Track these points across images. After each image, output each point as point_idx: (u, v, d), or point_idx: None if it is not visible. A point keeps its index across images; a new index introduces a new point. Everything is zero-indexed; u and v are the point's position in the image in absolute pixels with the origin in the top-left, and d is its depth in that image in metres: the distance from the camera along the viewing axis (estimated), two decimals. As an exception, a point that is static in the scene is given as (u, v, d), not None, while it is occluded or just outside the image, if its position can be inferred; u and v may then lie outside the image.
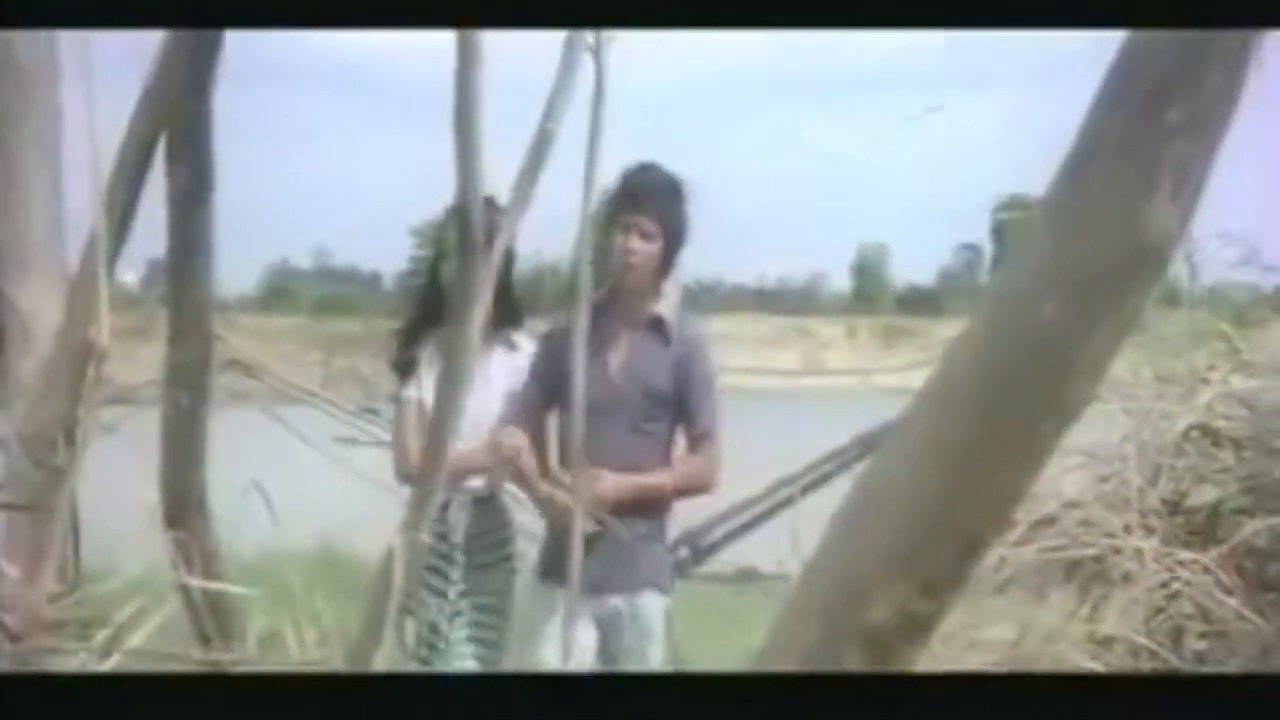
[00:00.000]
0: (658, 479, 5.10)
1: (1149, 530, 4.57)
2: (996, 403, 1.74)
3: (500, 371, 5.31)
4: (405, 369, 5.49)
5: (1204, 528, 4.63)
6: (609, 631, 5.00)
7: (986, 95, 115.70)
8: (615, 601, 4.97)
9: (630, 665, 4.98)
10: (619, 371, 5.07)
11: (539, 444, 5.11)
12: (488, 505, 5.41)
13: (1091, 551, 4.58)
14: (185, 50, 2.93)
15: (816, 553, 1.89)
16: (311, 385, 10.45)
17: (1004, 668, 4.18)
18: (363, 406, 8.45)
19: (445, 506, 5.15)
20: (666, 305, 5.24)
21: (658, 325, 5.17)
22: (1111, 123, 1.66)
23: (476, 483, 5.31)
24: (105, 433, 3.19)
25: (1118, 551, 4.54)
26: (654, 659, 5.01)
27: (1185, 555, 4.47)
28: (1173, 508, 4.67)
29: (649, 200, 5.05)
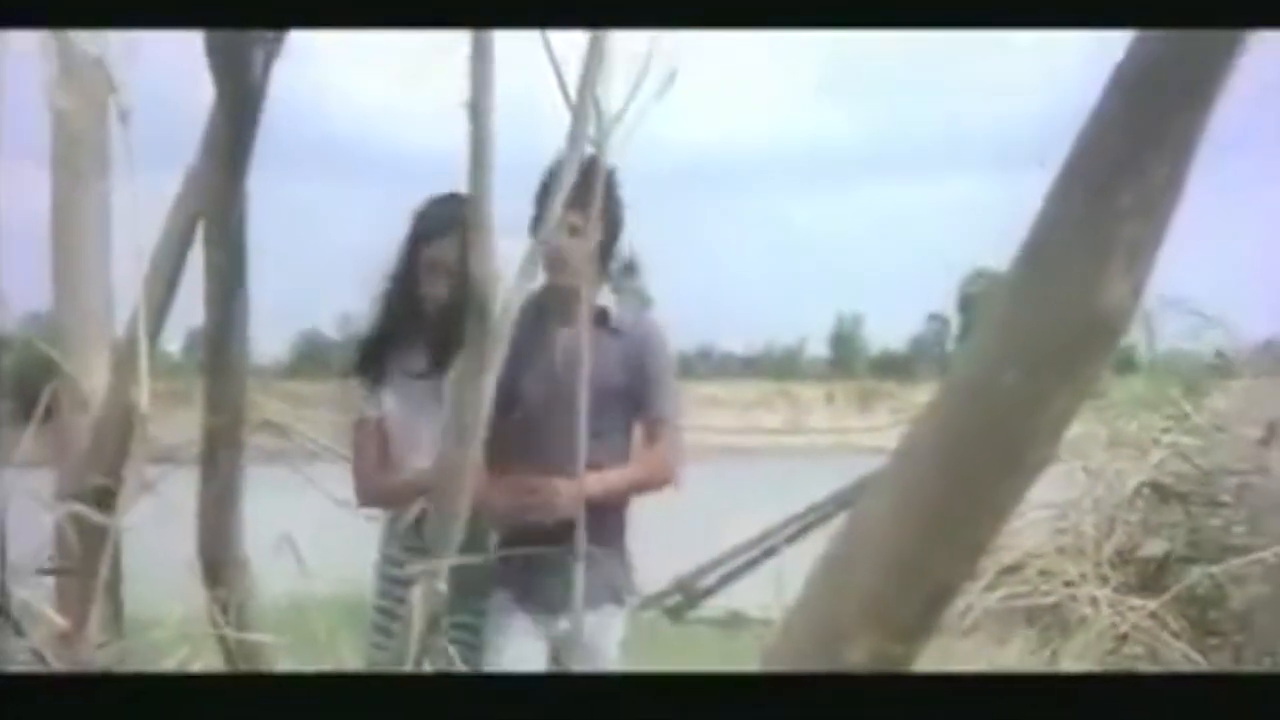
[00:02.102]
0: (613, 476, 4.52)
1: (1103, 579, 4.56)
2: (963, 462, 1.73)
3: None
4: (369, 383, 4.95)
5: (1153, 577, 4.63)
6: (561, 649, 4.54)
7: (953, 180, 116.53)
8: (565, 623, 4.43)
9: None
10: (566, 371, 4.33)
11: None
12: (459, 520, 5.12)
13: (1051, 599, 4.57)
14: (223, 142, 2.94)
15: (798, 599, 1.87)
16: (339, 445, 10.45)
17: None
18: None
19: (419, 521, 4.90)
20: (607, 297, 4.65)
21: (603, 318, 4.57)
22: (1067, 205, 1.66)
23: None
24: (147, 490, 3.17)
25: (1074, 599, 4.53)
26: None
27: (1136, 602, 4.47)
28: (1125, 558, 4.67)
29: (576, 194, 4.09)
